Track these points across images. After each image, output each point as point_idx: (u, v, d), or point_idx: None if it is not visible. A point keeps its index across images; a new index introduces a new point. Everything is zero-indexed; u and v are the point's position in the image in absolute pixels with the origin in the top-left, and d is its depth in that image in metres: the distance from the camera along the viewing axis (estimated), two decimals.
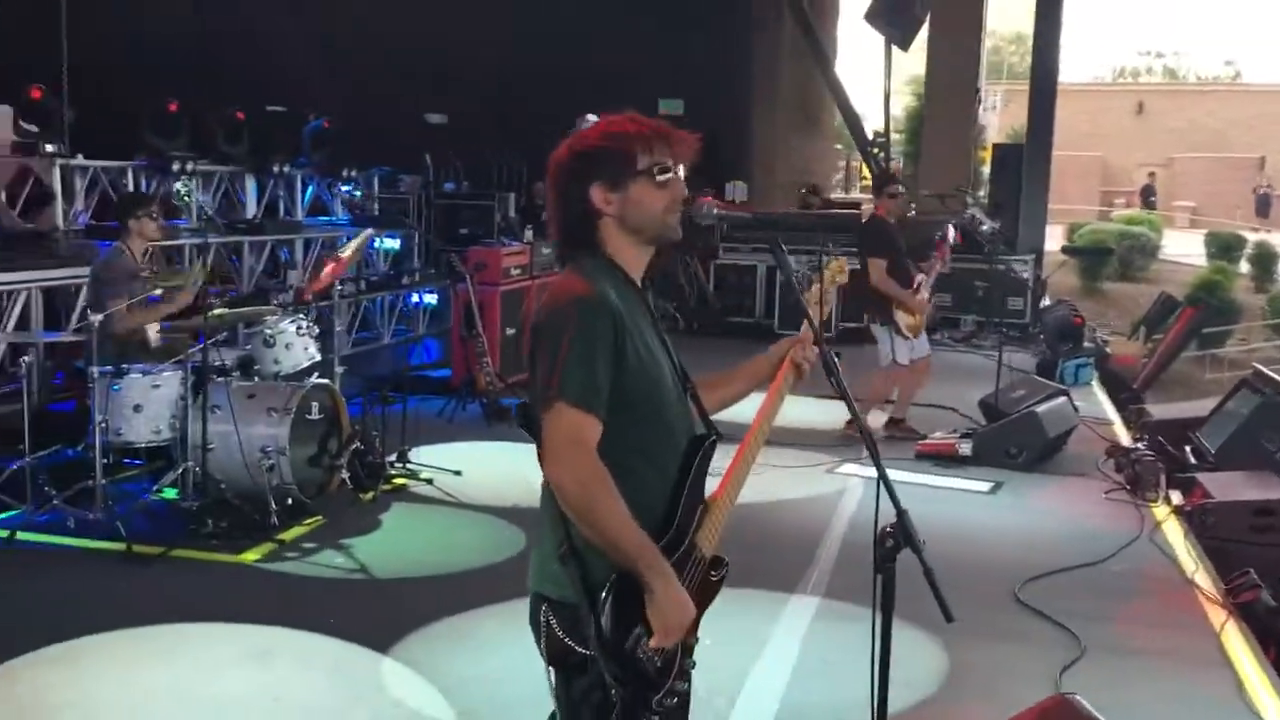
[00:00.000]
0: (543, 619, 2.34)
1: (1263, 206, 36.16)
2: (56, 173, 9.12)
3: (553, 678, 2.35)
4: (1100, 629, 4.91)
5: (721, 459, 2.45)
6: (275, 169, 11.47)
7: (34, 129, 9.10)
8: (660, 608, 2.22)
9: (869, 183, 23.76)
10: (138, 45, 17.60)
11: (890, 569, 2.41)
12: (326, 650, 4.52)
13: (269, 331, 6.33)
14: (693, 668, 2.43)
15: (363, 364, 10.68)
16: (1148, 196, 36.47)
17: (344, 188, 12.88)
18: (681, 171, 2.44)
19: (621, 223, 2.39)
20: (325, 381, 6.43)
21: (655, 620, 2.22)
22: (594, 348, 2.23)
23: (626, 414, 2.29)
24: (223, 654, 4.48)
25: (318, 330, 6.66)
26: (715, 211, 2.49)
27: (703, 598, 2.40)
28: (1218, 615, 5.10)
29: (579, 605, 2.25)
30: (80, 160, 9.69)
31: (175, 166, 9.92)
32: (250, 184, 11.50)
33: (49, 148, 9.10)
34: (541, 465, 2.27)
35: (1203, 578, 5.56)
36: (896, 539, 2.38)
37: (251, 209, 11.45)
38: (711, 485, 2.46)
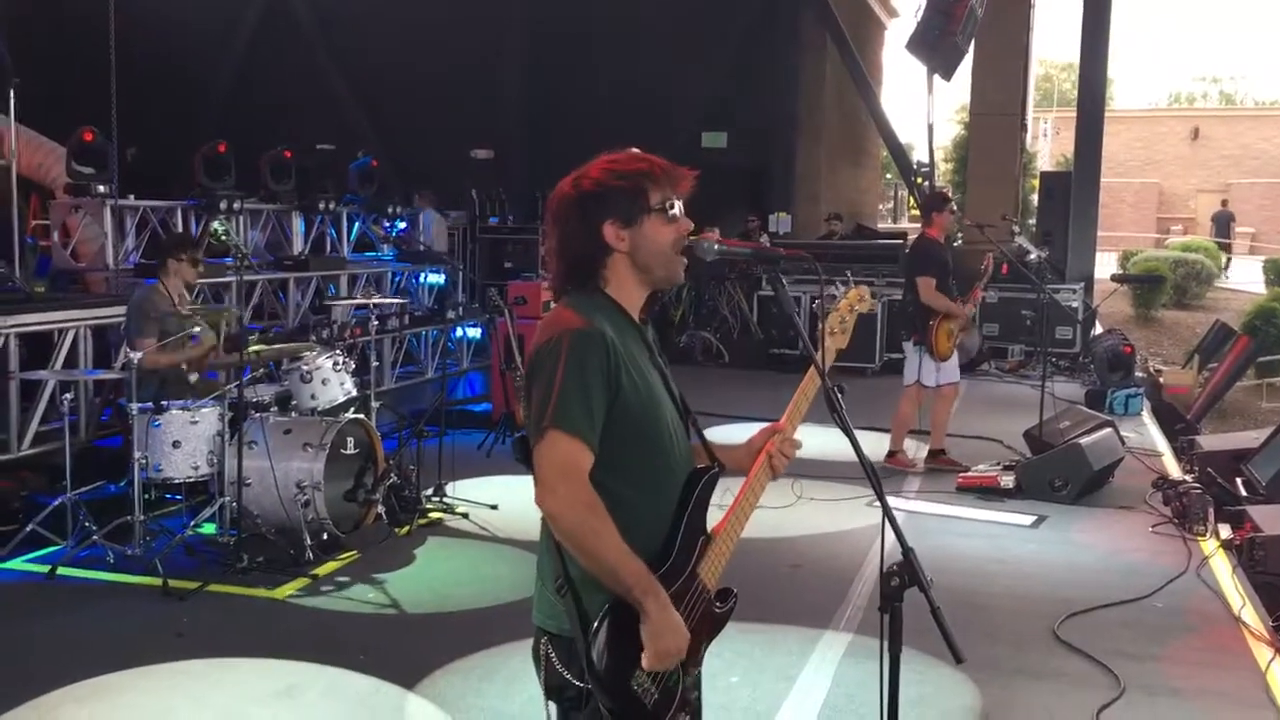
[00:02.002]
0: (542, 651, 2.37)
1: None
2: (108, 213, 9.32)
3: (552, 712, 2.35)
4: (1141, 668, 4.79)
5: (722, 495, 2.45)
6: (322, 206, 11.64)
7: (87, 170, 9.32)
8: (654, 631, 2.22)
9: (918, 212, 23.64)
10: (190, 86, 18.05)
11: (897, 608, 2.37)
12: (354, 686, 4.53)
13: (306, 367, 6.41)
14: (698, 699, 2.41)
15: (406, 398, 10.77)
16: (1225, 223, 34.41)
17: (386, 224, 13.04)
18: (680, 207, 2.45)
19: (632, 260, 2.40)
20: (360, 416, 6.48)
21: (649, 644, 2.22)
22: (588, 378, 2.25)
23: (623, 446, 2.30)
24: (253, 690, 4.50)
25: (354, 365, 6.72)
26: (716, 246, 2.47)
27: (707, 628, 2.41)
28: (1264, 654, 4.95)
29: (575, 638, 2.26)
30: (131, 200, 9.91)
31: (223, 205, 10.10)
32: (298, 221, 11.69)
33: (100, 188, 9.31)
34: (536, 498, 2.28)
35: (1250, 615, 5.41)
36: (902, 577, 2.34)
37: (298, 246, 11.63)
38: (714, 518, 2.45)
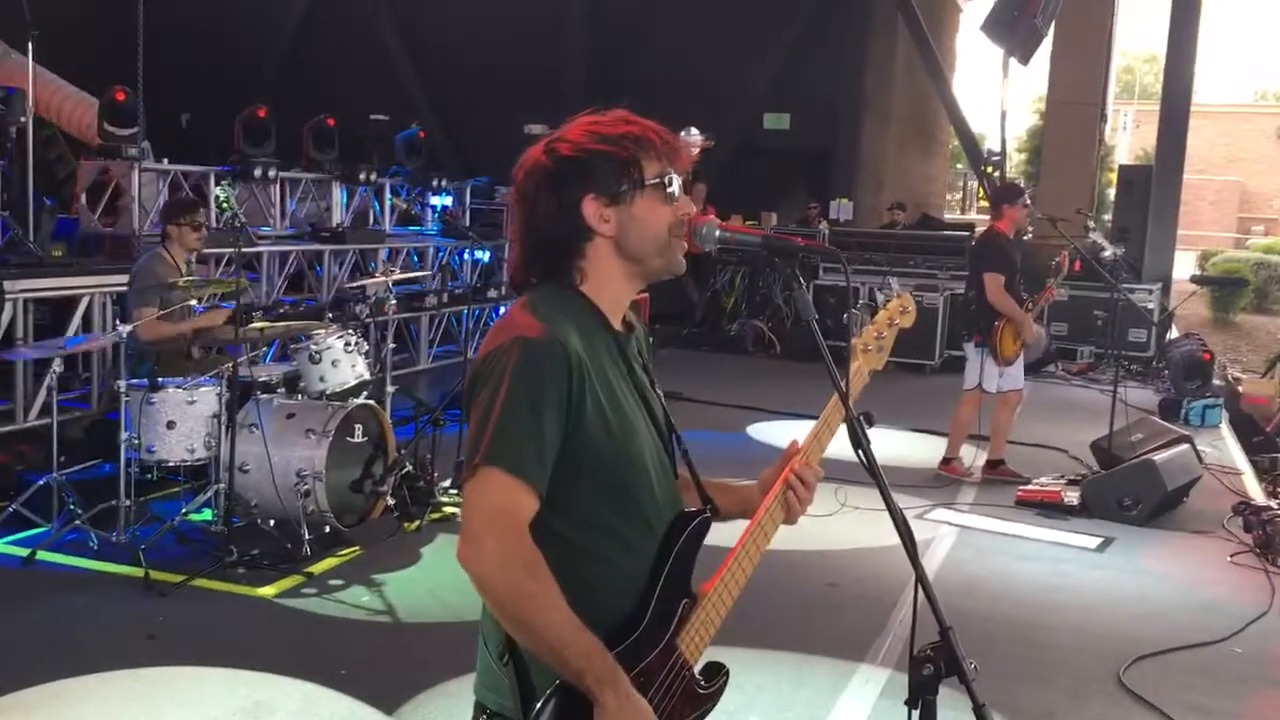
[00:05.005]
0: None
1: None
2: (136, 176, 8.98)
3: None
4: None
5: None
6: (362, 177, 11.24)
7: (121, 132, 8.99)
8: None
9: (986, 203, 22.81)
10: (248, 53, 17.81)
11: (929, 702, 1.85)
12: (329, 708, 4.08)
13: (315, 347, 5.97)
14: None
15: (442, 378, 10.38)
16: None
17: (433, 198, 12.63)
18: (679, 185, 1.95)
19: (618, 246, 1.93)
20: (370, 402, 6.04)
21: None
22: (540, 401, 1.77)
23: (584, 487, 1.84)
24: (216, 707, 4.06)
25: (367, 347, 6.28)
26: (717, 233, 1.97)
27: (685, 713, 1.92)
28: None
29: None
30: (164, 165, 9.59)
31: (257, 173, 9.75)
32: (338, 191, 11.31)
33: (130, 150, 8.99)
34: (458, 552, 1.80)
35: None
36: (937, 664, 1.82)
37: (338, 217, 11.25)
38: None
